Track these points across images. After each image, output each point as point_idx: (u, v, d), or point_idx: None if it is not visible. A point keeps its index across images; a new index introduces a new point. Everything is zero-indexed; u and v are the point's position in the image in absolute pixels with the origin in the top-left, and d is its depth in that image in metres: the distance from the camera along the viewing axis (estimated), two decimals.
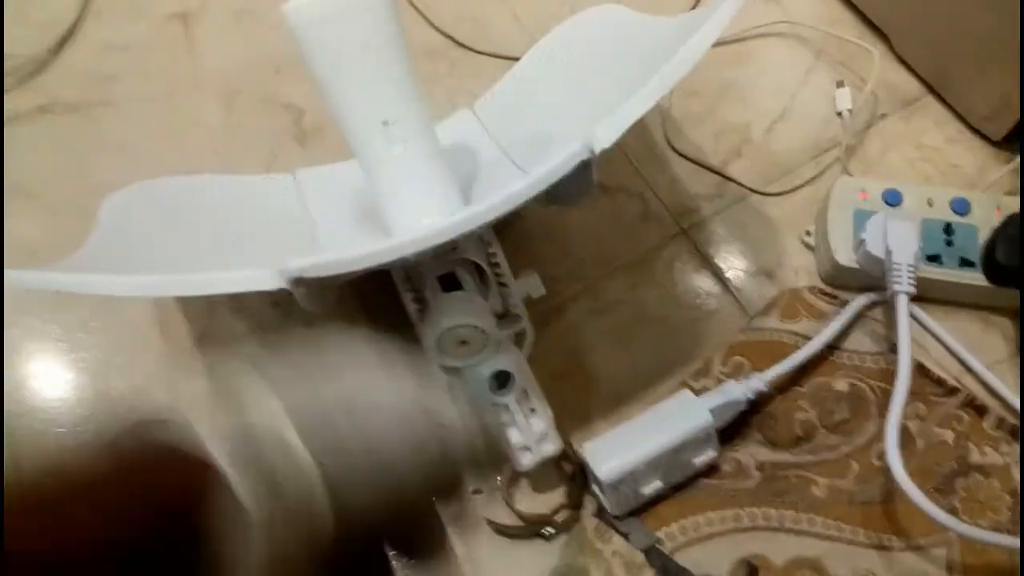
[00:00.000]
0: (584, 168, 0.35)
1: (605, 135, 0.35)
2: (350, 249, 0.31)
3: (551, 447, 0.43)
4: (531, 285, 0.45)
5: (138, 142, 0.55)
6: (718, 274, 0.52)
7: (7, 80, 0.57)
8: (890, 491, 0.45)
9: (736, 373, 0.48)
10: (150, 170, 0.47)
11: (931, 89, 0.59)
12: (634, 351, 0.49)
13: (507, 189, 0.33)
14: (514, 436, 0.42)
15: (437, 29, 0.61)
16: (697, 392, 0.46)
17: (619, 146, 0.55)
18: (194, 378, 0.48)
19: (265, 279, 0.30)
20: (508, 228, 0.52)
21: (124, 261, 0.36)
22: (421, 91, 0.41)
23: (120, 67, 0.58)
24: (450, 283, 0.42)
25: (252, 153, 0.55)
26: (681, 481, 0.44)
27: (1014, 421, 0.47)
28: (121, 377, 0.48)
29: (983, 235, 0.49)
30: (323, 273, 0.31)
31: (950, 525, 0.40)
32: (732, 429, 0.46)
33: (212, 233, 0.44)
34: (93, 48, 0.59)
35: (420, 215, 0.40)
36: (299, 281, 0.31)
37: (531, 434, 0.42)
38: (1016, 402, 0.47)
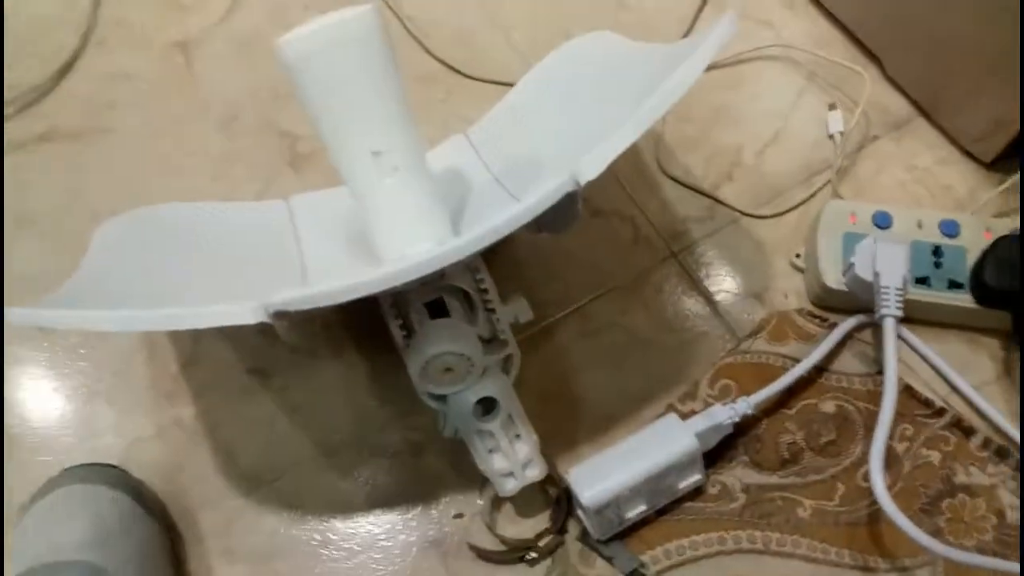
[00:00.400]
0: (570, 199, 0.36)
1: (590, 167, 0.35)
2: (332, 281, 0.32)
3: (535, 472, 0.43)
4: (519, 310, 0.46)
5: (137, 170, 0.57)
6: (708, 297, 0.53)
7: (8, 109, 0.58)
8: (876, 512, 0.45)
9: (724, 396, 0.48)
10: (149, 198, 0.48)
11: (922, 111, 0.59)
12: (622, 374, 0.50)
13: (490, 222, 0.33)
14: (498, 462, 0.42)
15: (433, 56, 0.62)
16: (684, 415, 0.47)
17: (611, 170, 0.56)
18: (178, 405, 0.49)
19: (245, 313, 0.31)
20: (498, 252, 0.53)
21: (110, 292, 0.37)
22: (412, 120, 0.41)
23: (121, 95, 0.59)
24: (437, 309, 0.43)
25: (248, 179, 0.56)
26: (666, 504, 0.45)
27: (1001, 441, 0.47)
28: (106, 404, 0.49)
29: (972, 257, 0.50)
30: (305, 306, 0.31)
31: (932, 548, 0.40)
32: (718, 451, 0.46)
33: (203, 261, 0.45)
34: (94, 76, 0.60)
35: (408, 244, 0.41)
36: (280, 314, 0.32)
37: (516, 460, 0.42)
38: (1003, 422, 0.47)
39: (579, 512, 0.44)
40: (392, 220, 0.40)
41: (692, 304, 0.52)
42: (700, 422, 0.44)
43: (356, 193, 0.40)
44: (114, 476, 0.44)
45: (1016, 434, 0.47)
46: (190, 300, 0.40)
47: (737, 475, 0.46)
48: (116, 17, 0.62)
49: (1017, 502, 0.45)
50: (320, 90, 0.38)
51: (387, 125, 0.39)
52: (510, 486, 0.43)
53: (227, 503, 0.47)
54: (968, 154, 0.57)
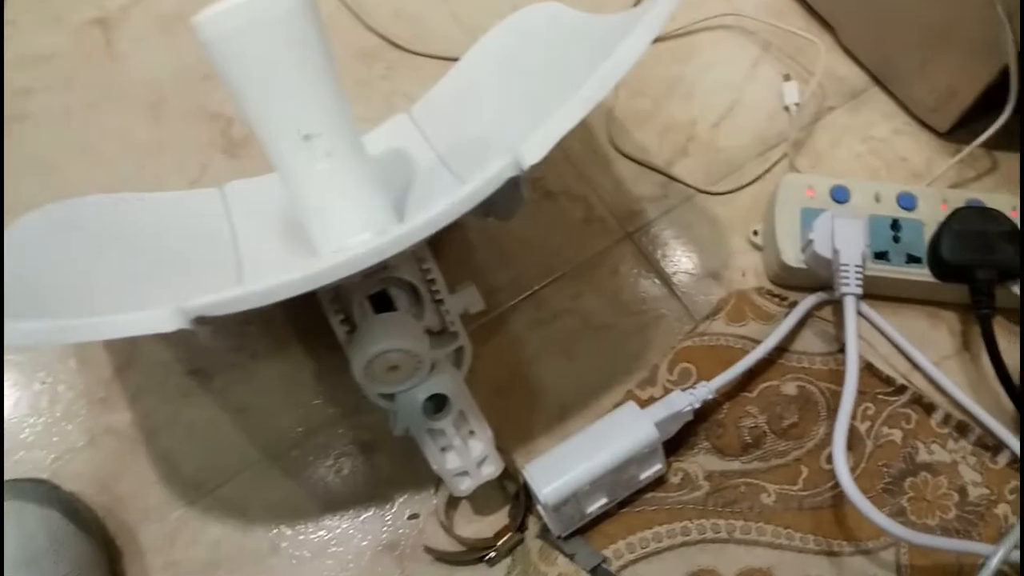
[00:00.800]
0: (513, 184, 0.34)
1: (532, 151, 0.33)
2: (255, 283, 0.29)
3: (491, 470, 0.41)
4: (469, 299, 0.43)
5: (57, 158, 0.53)
6: (664, 278, 0.51)
7: None
8: (839, 495, 0.44)
9: (683, 380, 0.47)
10: (70, 189, 0.45)
11: (877, 80, 0.58)
12: (579, 361, 0.48)
13: (426, 213, 0.31)
14: (451, 461, 0.40)
15: (372, 30, 0.59)
16: (643, 402, 0.45)
17: (562, 149, 0.54)
18: (113, 411, 0.46)
19: (161, 321, 0.28)
20: (446, 238, 0.50)
21: (23, 297, 0.34)
22: (345, 101, 0.39)
23: (37, 78, 0.55)
24: (382, 302, 0.41)
25: (179, 167, 0.53)
26: (627, 496, 0.43)
27: (961, 417, 0.47)
28: (33, 413, 0.46)
29: (929, 230, 0.49)
30: (227, 311, 0.29)
31: (897, 534, 0.40)
32: (679, 438, 0.45)
33: (127, 259, 0.42)
34: (7, 59, 0.56)
35: (345, 235, 0.38)
36: (202, 320, 0.29)
37: (470, 458, 0.40)
38: (963, 398, 0.47)
39: (538, 508, 0.42)
40: (327, 209, 0.38)
41: (648, 286, 0.51)
42: (659, 410, 0.43)
43: (287, 181, 0.38)
44: (43, 491, 0.41)
45: (976, 409, 0.46)
46: (111, 304, 0.38)
47: (699, 462, 0.45)
48: None
49: (979, 478, 0.45)
50: (243, 71, 0.36)
51: (317, 107, 0.37)
52: (465, 486, 0.41)
53: (168, 514, 0.44)
54: (923, 124, 0.56)
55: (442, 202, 0.32)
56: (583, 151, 0.55)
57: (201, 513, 0.44)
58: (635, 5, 0.60)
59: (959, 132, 0.55)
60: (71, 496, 0.43)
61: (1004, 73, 0.49)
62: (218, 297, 0.29)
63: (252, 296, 0.29)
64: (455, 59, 0.54)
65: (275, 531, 0.44)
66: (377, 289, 0.41)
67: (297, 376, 0.47)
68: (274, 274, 0.30)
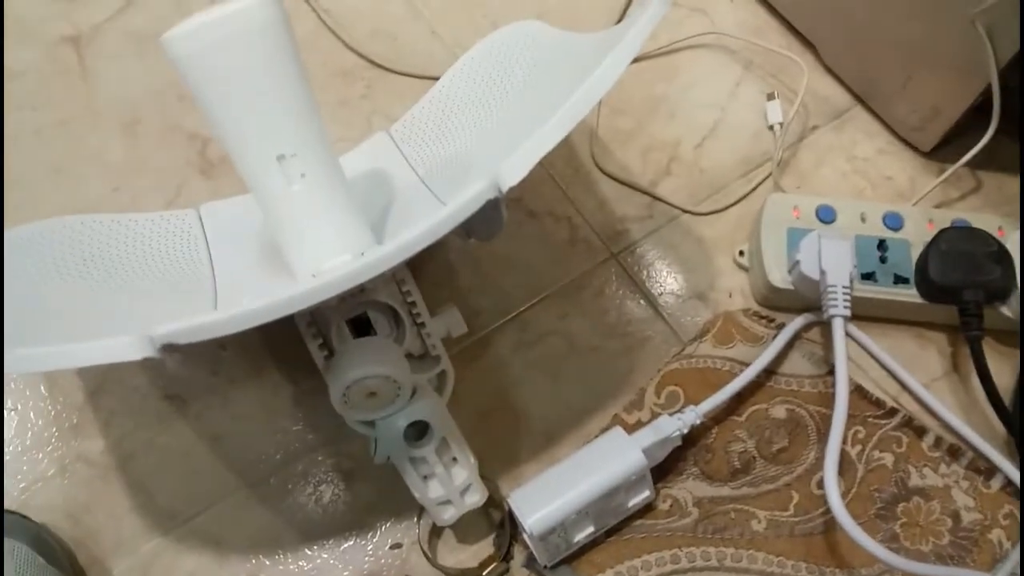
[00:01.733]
0: (492, 206, 0.33)
1: (512, 173, 0.32)
2: (230, 308, 0.28)
3: (475, 499, 0.40)
4: (451, 322, 0.42)
5: (27, 180, 0.51)
6: (650, 299, 0.50)
7: None
8: (831, 520, 0.43)
9: (670, 404, 0.46)
10: (41, 210, 0.44)
11: (860, 100, 0.58)
12: (564, 385, 0.47)
13: (402, 237, 0.30)
14: (434, 490, 0.39)
15: (352, 49, 0.58)
16: (631, 426, 0.44)
17: (545, 168, 0.53)
18: (84, 438, 0.45)
19: (128, 349, 0.27)
20: (427, 259, 0.49)
21: None
22: (320, 121, 0.38)
23: (7, 96, 0.54)
24: (361, 326, 0.40)
25: (154, 188, 0.52)
26: (615, 524, 0.42)
27: (952, 440, 0.46)
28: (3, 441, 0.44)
29: (916, 251, 0.48)
30: (195, 338, 0.28)
31: (891, 562, 0.39)
32: (667, 464, 0.44)
33: (104, 283, 0.41)
34: None
35: (323, 257, 0.37)
36: (171, 347, 0.28)
37: (453, 486, 0.39)
38: (954, 421, 0.46)
39: (524, 536, 0.41)
40: (303, 231, 0.37)
41: (634, 307, 0.50)
42: (647, 436, 0.42)
43: (262, 203, 0.37)
44: (11, 523, 0.40)
45: (967, 432, 0.46)
46: (84, 329, 0.36)
47: (688, 488, 0.44)
48: None
49: (972, 502, 0.44)
50: (213, 89, 0.35)
51: (291, 126, 0.36)
52: (448, 515, 0.40)
53: (142, 545, 0.43)
54: (907, 143, 0.56)
55: (420, 225, 0.31)
56: (566, 171, 0.54)
57: (175, 544, 0.43)
58: (618, 22, 0.60)
59: (943, 151, 0.54)
60: (41, 528, 0.41)
61: (987, 92, 0.49)
62: (186, 324, 0.27)
63: (220, 324, 0.28)
64: (435, 78, 0.53)
65: (253, 562, 0.42)
66: (356, 313, 0.40)
67: (275, 400, 0.46)
68: (247, 299, 0.29)
